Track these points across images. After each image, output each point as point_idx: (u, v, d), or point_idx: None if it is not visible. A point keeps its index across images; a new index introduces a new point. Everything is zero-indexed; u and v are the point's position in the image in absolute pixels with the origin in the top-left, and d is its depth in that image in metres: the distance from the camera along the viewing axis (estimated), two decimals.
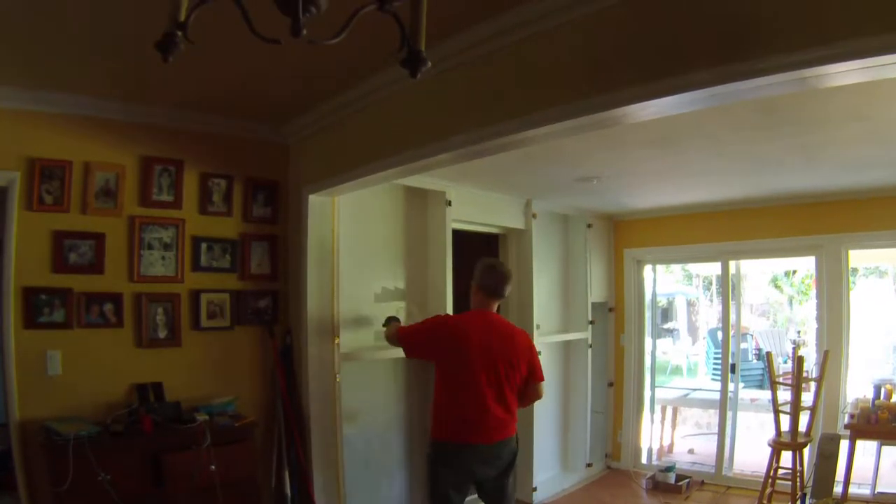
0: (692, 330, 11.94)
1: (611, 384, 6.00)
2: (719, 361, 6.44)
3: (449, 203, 4.21)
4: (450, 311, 4.18)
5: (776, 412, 4.46)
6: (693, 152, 3.55)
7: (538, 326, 4.92)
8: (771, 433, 4.55)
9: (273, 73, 2.93)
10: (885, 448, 4.56)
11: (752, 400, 6.83)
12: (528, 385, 3.05)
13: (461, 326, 2.97)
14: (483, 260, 3.17)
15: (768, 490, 4.37)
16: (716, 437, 5.49)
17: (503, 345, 2.96)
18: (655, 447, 6.07)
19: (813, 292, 5.96)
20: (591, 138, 3.10)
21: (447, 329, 3.01)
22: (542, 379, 3.11)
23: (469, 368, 2.88)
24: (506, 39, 2.36)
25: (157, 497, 2.94)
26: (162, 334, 3.41)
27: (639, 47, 1.97)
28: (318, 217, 3.67)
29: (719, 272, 5.80)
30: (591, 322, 5.59)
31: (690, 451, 6.29)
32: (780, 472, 4.40)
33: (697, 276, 11.61)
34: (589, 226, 5.62)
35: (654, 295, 6.32)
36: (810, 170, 3.99)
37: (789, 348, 9.38)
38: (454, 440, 2.90)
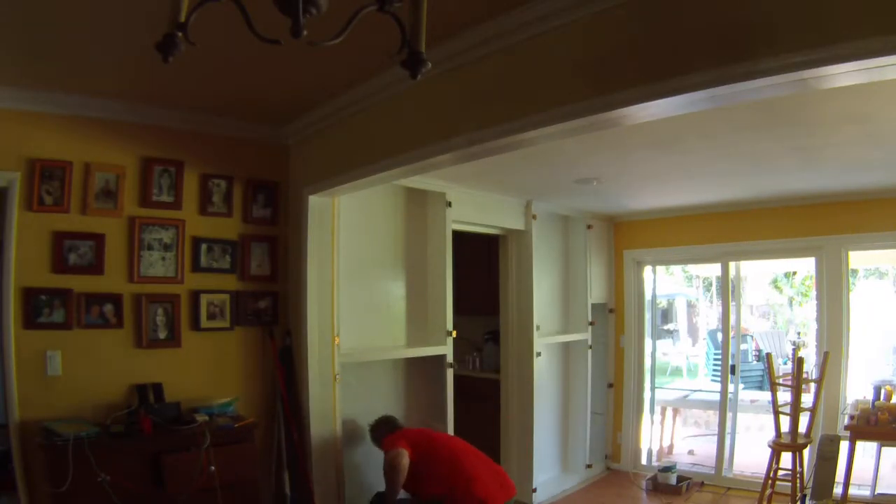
0: (692, 331, 11.93)
1: (611, 385, 6.00)
2: (719, 363, 6.44)
3: (449, 204, 4.21)
4: (449, 308, 4.23)
5: (776, 413, 4.45)
6: (693, 153, 3.55)
7: (538, 327, 4.91)
8: (771, 434, 4.55)
9: (273, 74, 2.93)
10: (884, 449, 4.55)
11: (752, 401, 6.81)
12: None
13: (427, 434, 3.67)
14: (378, 422, 3.77)
15: (768, 491, 4.37)
16: (716, 438, 5.49)
17: None
18: (655, 448, 6.06)
19: (813, 293, 5.95)
20: (592, 139, 3.10)
21: (422, 437, 3.61)
22: None
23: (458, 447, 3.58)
24: (506, 41, 2.36)
25: (156, 498, 2.94)
26: (162, 335, 3.41)
27: (639, 49, 1.98)
28: (318, 218, 3.67)
29: (719, 273, 5.80)
30: (591, 323, 5.59)
31: (690, 453, 6.28)
32: (780, 473, 4.39)
33: (697, 277, 11.60)
34: (589, 227, 5.62)
35: (653, 296, 6.31)
36: (810, 171, 3.99)
37: (789, 349, 9.38)
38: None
